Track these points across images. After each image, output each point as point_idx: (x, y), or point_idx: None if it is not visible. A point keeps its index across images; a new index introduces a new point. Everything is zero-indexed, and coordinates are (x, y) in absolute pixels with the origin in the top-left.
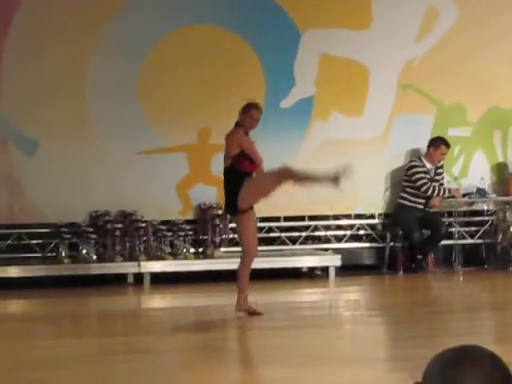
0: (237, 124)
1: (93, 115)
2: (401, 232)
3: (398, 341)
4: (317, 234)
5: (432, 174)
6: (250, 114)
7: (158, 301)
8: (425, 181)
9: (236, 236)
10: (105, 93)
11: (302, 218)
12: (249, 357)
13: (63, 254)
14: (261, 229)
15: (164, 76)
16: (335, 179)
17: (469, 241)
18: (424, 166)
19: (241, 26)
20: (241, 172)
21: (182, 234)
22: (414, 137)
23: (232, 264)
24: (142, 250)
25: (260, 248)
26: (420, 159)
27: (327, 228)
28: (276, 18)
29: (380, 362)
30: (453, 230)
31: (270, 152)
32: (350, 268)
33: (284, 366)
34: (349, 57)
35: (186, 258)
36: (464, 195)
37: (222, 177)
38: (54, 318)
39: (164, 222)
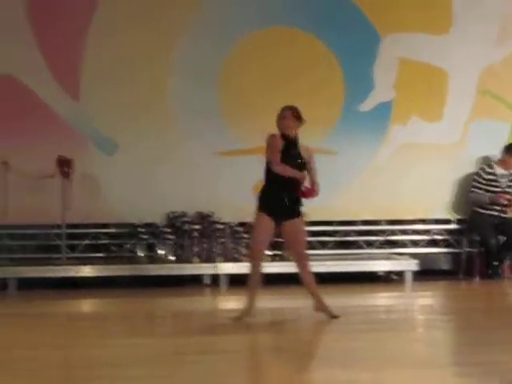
0: None
1: (172, 114)
2: (477, 238)
3: (473, 346)
4: (393, 238)
5: (504, 180)
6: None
7: (233, 302)
8: (474, 189)
9: (314, 239)
10: (186, 89)
11: (378, 223)
12: (325, 359)
13: (140, 254)
14: (338, 232)
15: (241, 77)
16: None
17: None
18: (492, 173)
19: (321, 29)
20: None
21: None
22: (490, 142)
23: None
24: (219, 251)
25: (337, 252)
26: (490, 166)
27: (404, 232)
28: (356, 21)
29: (454, 366)
30: None
31: (347, 155)
32: (427, 273)
33: (361, 369)
34: (428, 61)
35: (263, 260)
36: None
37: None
38: (130, 318)
39: (241, 224)
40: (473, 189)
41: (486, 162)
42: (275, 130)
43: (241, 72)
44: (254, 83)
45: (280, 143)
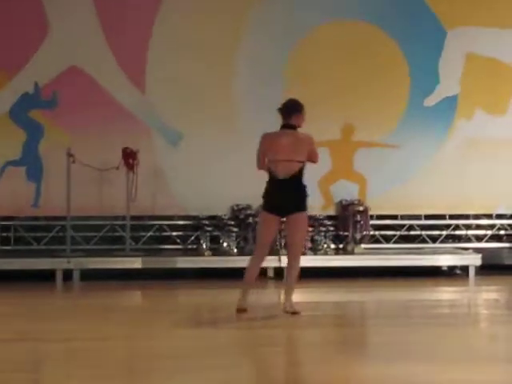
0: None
1: (237, 107)
2: None
3: None
4: (457, 232)
5: None
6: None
7: (297, 295)
8: None
9: (377, 233)
10: (251, 83)
11: (442, 217)
12: (387, 352)
13: (204, 247)
14: (401, 226)
15: (310, 69)
16: None
17: None
18: None
19: (387, 22)
20: None
21: (323, 229)
22: None
23: (373, 261)
24: (282, 244)
25: (401, 246)
26: None
27: (468, 227)
28: (422, 15)
29: None
30: None
31: (413, 149)
32: (490, 268)
33: (425, 362)
34: (494, 56)
35: (326, 253)
36: None
37: (363, 174)
38: (194, 310)
39: None
40: None
41: None
42: (345, 124)
43: (307, 68)
44: (319, 77)
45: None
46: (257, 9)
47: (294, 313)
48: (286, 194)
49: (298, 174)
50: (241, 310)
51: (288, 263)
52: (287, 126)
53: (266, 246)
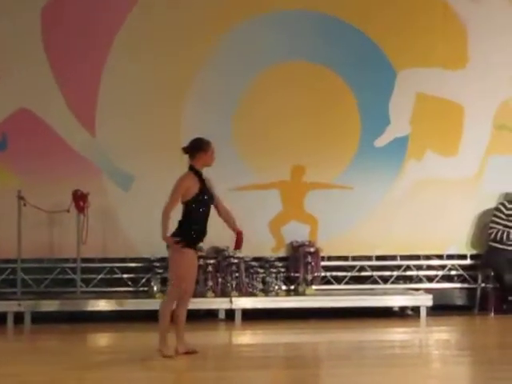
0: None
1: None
2: (492, 273)
3: (489, 382)
4: (408, 273)
5: None
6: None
7: (249, 337)
8: (495, 226)
9: (328, 274)
10: (201, 123)
11: (393, 258)
12: None
13: (155, 289)
14: (353, 267)
15: (258, 110)
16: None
17: None
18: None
19: (337, 62)
20: None
21: (274, 270)
22: (508, 177)
23: (324, 302)
24: (233, 286)
25: (352, 287)
26: (510, 201)
27: (419, 268)
28: (372, 56)
29: None
30: None
31: (364, 190)
32: (442, 308)
33: None
34: (444, 96)
35: (277, 294)
36: None
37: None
38: (143, 352)
39: (256, 259)
40: (492, 224)
41: (507, 197)
42: (294, 165)
43: (257, 108)
44: (269, 117)
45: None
46: (208, 49)
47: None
48: None
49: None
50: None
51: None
52: (190, 168)
53: None
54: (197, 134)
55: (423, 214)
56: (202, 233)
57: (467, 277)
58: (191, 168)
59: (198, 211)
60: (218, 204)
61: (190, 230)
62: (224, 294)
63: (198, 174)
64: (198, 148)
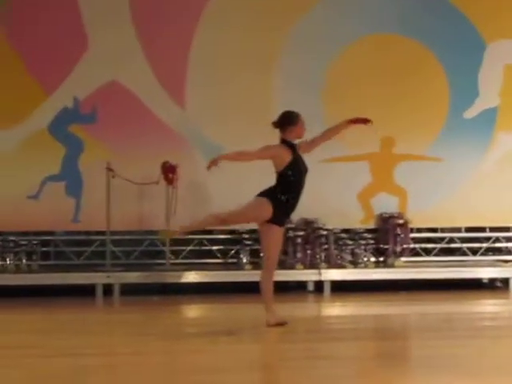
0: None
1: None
2: None
3: None
4: (498, 245)
5: None
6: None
7: (338, 309)
8: None
9: (417, 246)
10: (290, 97)
11: (483, 230)
12: (428, 365)
13: (244, 261)
14: (442, 239)
15: (350, 82)
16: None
17: None
18: None
19: (425, 35)
20: None
21: (363, 242)
22: None
23: (413, 274)
24: (322, 257)
25: (441, 258)
26: None
27: (508, 240)
28: (462, 28)
29: None
30: None
31: (453, 162)
32: None
33: (469, 375)
34: None
35: (366, 266)
36: None
37: (403, 187)
38: (235, 324)
39: (345, 231)
40: None
41: None
42: (385, 137)
43: (346, 80)
44: (359, 91)
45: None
46: (295, 24)
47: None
48: None
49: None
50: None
51: None
52: (282, 141)
53: None
54: (286, 105)
55: None
56: (293, 203)
57: None
58: (283, 141)
59: (292, 180)
60: (312, 142)
61: (282, 196)
62: (313, 265)
63: (291, 147)
64: (287, 121)
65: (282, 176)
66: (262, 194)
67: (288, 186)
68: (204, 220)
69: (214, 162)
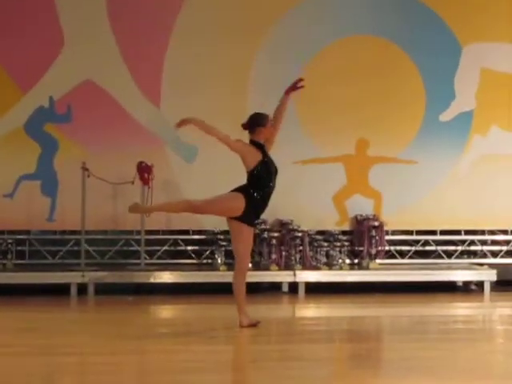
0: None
1: None
2: None
3: None
4: (473, 248)
5: None
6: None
7: (312, 310)
8: None
9: (392, 248)
10: (265, 99)
11: (458, 232)
12: (400, 368)
13: (219, 261)
14: (417, 242)
15: (324, 84)
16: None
17: None
18: None
19: (401, 37)
20: None
21: (338, 244)
22: None
23: (387, 276)
24: (297, 259)
25: (416, 261)
26: None
27: (483, 243)
28: (437, 30)
29: None
30: None
31: (428, 164)
32: (506, 283)
33: (434, 379)
34: (510, 71)
35: (341, 268)
36: None
37: (378, 189)
38: (209, 324)
39: (320, 232)
40: None
41: None
42: (359, 139)
43: (320, 83)
44: (333, 93)
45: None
46: (271, 26)
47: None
48: None
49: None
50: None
51: None
52: (251, 142)
53: None
54: (262, 107)
55: (488, 189)
56: (263, 203)
57: None
58: (252, 142)
59: (263, 178)
60: (274, 128)
61: (255, 192)
62: (288, 267)
63: (261, 147)
64: (257, 123)
65: (252, 175)
66: (236, 190)
67: (259, 185)
68: (177, 203)
69: (184, 122)
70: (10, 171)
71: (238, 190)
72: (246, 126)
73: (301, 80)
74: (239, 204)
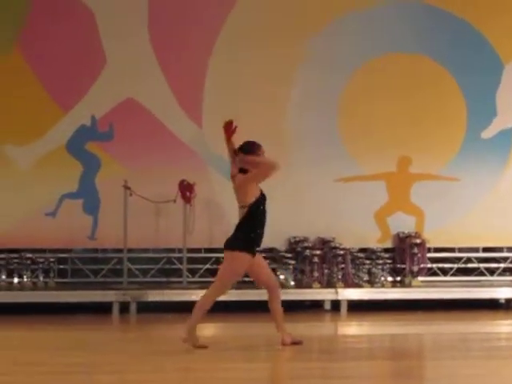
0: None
1: (292, 136)
2: None
3: None
4: None
5: None
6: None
7: (354, 328)
8: None
9: (434, 265)
10: (306, 113)
11: (500, 249)
12: None
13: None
14: (459, 259)
15: (366, 99)
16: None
17: None
18: None
19: (443, 55)
20: None
21: (380, 262)
22: None
23: (429, 293)
24: (339, 277)
25: (458, 278)
26: None
27: None
28: (480, 48)
29: None
30: None
31: (470, 181)
32: None
33: None
34: None
35: (383, 286)
36: None
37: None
38: (249, 342)
39: (362, 250)
40: None
41: None
42: (401, 157)
43: (362, 100)
44: (374, 110)
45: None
46: (312, 41)
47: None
48: None
49: (243, 216)
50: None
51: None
52: (240, 170)
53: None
54: (299, 127)
55: None
56: (261, 237)
57: None
58: (242, 171)
59: (261, 214)
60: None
61: (251, 232)
62: (330, 284)
63: None
64: (249, 151)
65: (251, 209)
66: (231, 247)
67: (258, 219)
68: (196, 312)
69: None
70: (52, 190)
71: (234, 246)
72: (238, 152)
73: (229, 124)
74: (243, 263)
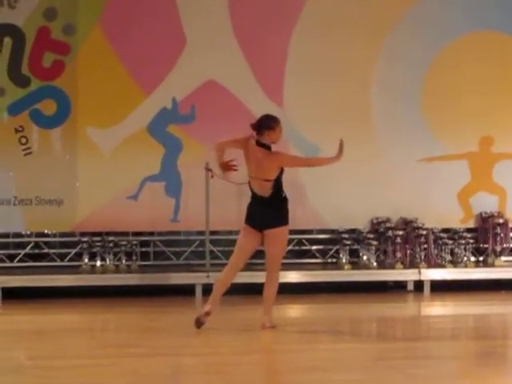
0: (265, 145)
1: (375, 119)
2: None
3: None
4: None
5: None
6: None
7: (438, 308)
8: None
9: None
10: (389, 98)
11: None
12: None
13: (344, 261)
14: None
15: (447, 84)
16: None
17: None
18: None
19: None
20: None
21: (463, 242)
22: None
23: None
24: (422, 257)
25: None
26: None
27: None
28: None
29: None
30: None
31: None
32: None
33: None
34: None
35: (466, 266)
36: None
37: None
38: (335, 323)
39: (445, 230)
40: None
41: None
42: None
43: (446, 76)
44: (458, 88)
45: None
46: (393, 28)
47: (272, 327)
48: (263, 211)
49: (274, 191)
50: (202, 315)
51: (266, 278)
52: (258, 143)
53: (242, 258)
54: (384, 108)
55: None
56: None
57: None
58: (260, 144)
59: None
60: None
61: (287, 200)
62: (412, 265)
63: (269, 150)
64: (266, 126)
65: (278, 181)
66: (281, 223)
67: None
68: (271, 300)
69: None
70: (133, 173)
71: (284, 220)
72: (254, 127)
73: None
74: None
